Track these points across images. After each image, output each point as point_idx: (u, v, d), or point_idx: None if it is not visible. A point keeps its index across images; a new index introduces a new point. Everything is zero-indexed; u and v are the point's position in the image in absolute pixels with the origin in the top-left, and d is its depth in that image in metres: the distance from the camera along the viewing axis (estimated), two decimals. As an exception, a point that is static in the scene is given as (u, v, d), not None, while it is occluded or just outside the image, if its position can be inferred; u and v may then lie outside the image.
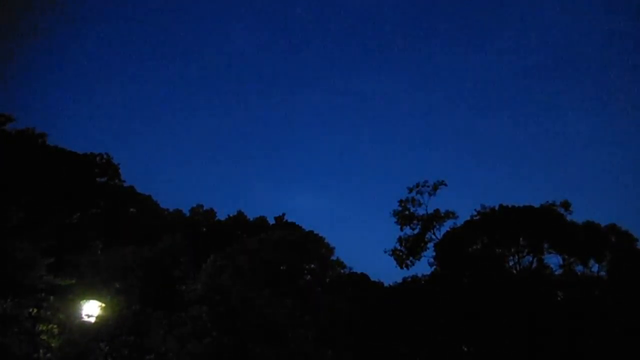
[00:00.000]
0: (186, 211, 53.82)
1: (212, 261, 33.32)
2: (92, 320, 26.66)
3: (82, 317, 26.52)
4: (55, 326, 24.77)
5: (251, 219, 54.55)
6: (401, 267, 48.58)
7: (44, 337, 24.20)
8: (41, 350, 23.58)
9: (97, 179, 45.56)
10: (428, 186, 48.90)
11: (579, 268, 42.77)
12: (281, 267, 36.72)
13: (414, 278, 47.59)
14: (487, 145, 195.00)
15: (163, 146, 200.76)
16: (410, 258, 48.45)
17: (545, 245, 43.34)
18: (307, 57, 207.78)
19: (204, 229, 52.79)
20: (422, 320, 42.01)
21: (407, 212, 49.14)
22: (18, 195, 34.23)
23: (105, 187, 45.57)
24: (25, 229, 29.12)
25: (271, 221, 54.83)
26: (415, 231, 48.89)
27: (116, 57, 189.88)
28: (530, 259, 43.90)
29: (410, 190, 49.32)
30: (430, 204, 48.85)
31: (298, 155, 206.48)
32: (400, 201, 49.54)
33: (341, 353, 32.19)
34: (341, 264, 41.46)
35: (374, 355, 38.89)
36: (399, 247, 48.90)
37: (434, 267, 47.35)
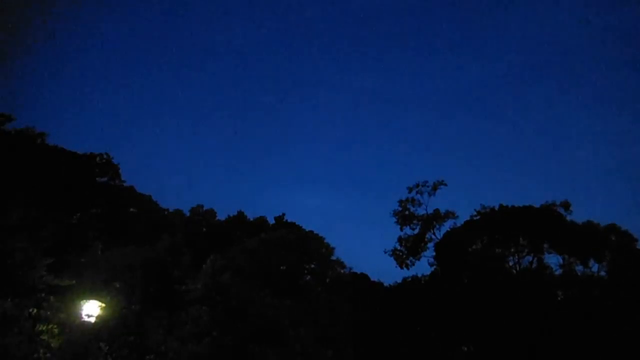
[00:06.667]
0: (186, 211, 53.85)
1: (212, 261, 33.26)
2: (92, 320, 26.62)
3: (82, 317, 26.48)
4: (55, 326, 24.73)
5: (251, 219, 54.51)
6: (401, 267, 48.68)
7: (44, 337, 24.15)
8: (41, 350, 23.53)
9: (97, 179, 45.56)
10: (428, 186, 49.04)
11: (579, 268, 42.86)
12: (281, 267, 36.68)
13: (414, 278, 47.65)
14: (487, 145, 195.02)
15: (163, 146, 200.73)
16: (410, 258, 48.52)
17: (545, 245, 43.39)
18: (307, 57, 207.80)
19: (204, 229, 52.75)
20: (422, 320, 42.03)
21: (407, 212, 49.21)
22: (18, 195, 34.20)
23: (105, 187, 45.57)
24: (25, 228, 29.06)
25: (271, 221, 54.78)
26: (415, 231, 49.00)
27: (116, 56, 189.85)
28: (530, 259, 43.99)
29: (410, 190, 49.44)
30: (430, 204, 48.98)
31: (298, 155, 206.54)
32: (400, 201, 49.64)
33: (341, 353, 32.18)
34: (341, 264, 41.42)
35: (375, 355, 38.90)
36: (399, 247, 49.00)
37: (434, 267, 47.45)
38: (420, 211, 49.02)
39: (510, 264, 44.42)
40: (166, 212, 52.45)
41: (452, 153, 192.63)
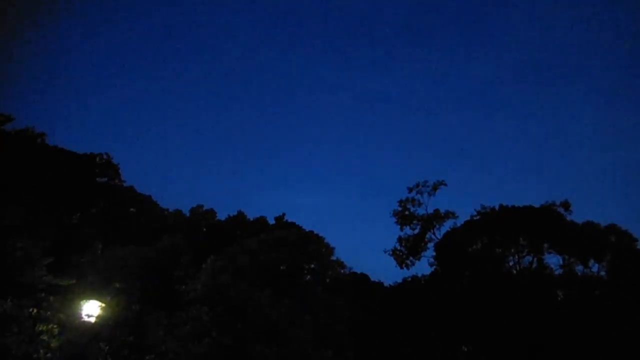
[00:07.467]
0: (186, 211, 53.82)
1: (212, 261, 33.22)
2: (92, 320, 26.65)
3: (82, 317, 26.51)
4: (55, 326, 24.77)
5: (251, 219, 54.50)
6: (401, 267, 48.60)
7: (44, 337, 24.18)
8: (41, 350, 23.55)
9: (97, 179, 45.59)
10: (428, 186, 48.94)
11: (579, 268, 42.78)
12: (281, 267, 36.60)
13: (414, 278, 47.60)
14: (487, 145, 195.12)
15: (163, 146, 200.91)
16: (410, 258, 48.44)
17: (545, 245, 43.31)
18: (307, 58, 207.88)
19: (204, 229, 52.74)
20: (422, 320, 42.00)
21: (407, 212, 49.13)
22: (18, 195, 34.20)
23: (105, 187, 45.59)
24: (25, 228, 29.07)
25: (271, 221, 54.77)
26: (415, 231, 48.90)
27: (116, 57, 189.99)
28: (530, 259, 43.89)
29: (410, 190, 49.35)
30: (430, 204, 48.90)
31: (298, 155, 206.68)
32: (400, 201, 49.55)
33: (341, 353, 32.13)
34: (341, 264, 41.38)
35: (374, 355, 38.88)
36: (399, 247, 48.91)
37: (434, 267, 47.38)
38: (420, 211, 48.99)
39: (510, 264, 44.35)
40: (166, 212, 52.46)
41: (452, 153, 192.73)
